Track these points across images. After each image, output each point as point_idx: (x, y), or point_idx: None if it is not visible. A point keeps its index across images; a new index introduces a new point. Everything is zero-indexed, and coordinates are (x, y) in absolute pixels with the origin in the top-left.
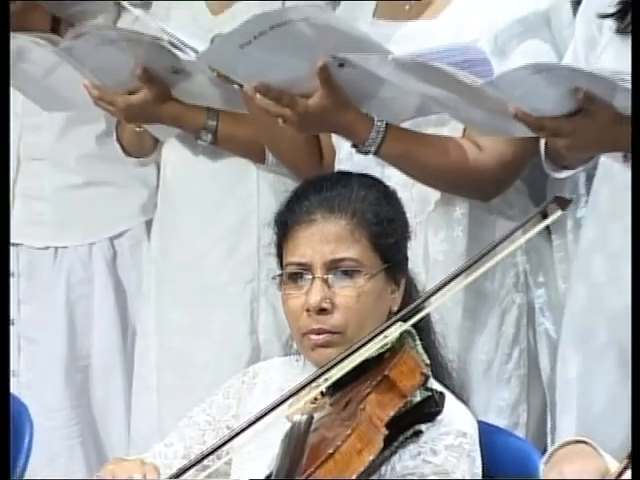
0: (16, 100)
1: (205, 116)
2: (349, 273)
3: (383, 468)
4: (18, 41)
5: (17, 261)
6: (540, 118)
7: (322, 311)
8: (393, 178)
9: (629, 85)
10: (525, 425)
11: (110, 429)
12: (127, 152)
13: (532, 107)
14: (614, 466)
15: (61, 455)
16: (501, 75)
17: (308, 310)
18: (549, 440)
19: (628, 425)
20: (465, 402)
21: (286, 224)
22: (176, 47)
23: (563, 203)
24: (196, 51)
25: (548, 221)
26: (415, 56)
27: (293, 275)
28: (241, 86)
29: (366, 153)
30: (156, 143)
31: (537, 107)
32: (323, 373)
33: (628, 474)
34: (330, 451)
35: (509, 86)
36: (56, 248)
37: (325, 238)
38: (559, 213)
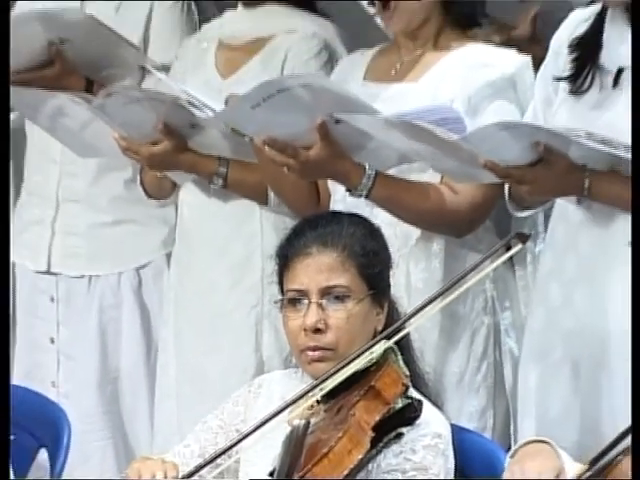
0: (55, 149)
1: (217, 164)
2: (340, 298)
3: (370, 465)
4: (58, 99)
5: (56, 288)
6: (506, 168)
7: (317, 331)
8: (380, 217)
9: (582, 140)
10: (492, 428)
11: (136, 432)
12: (149, 194)
13: (499, 158)
14: (569, 463)
15: (94, 455)
16: (473, 132)
17: (305, 330)
18: (512, 441)
19: (579, 428)
20: (440, 408)
21: (286, 256)
22: (193, 105)
23: (523, 238)
24: (212, 109)
25: (511, 253)
26: (400, 116)
27: (292, 300)
28: (251, 139)
29: (358, 197)
30: (174, 187)
31: (504, 158)
32: (318, 384)
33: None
34: (325, 451)
35: (480, 141)
36: (90, 277)
37: (319, 268)
38: (520, 246)
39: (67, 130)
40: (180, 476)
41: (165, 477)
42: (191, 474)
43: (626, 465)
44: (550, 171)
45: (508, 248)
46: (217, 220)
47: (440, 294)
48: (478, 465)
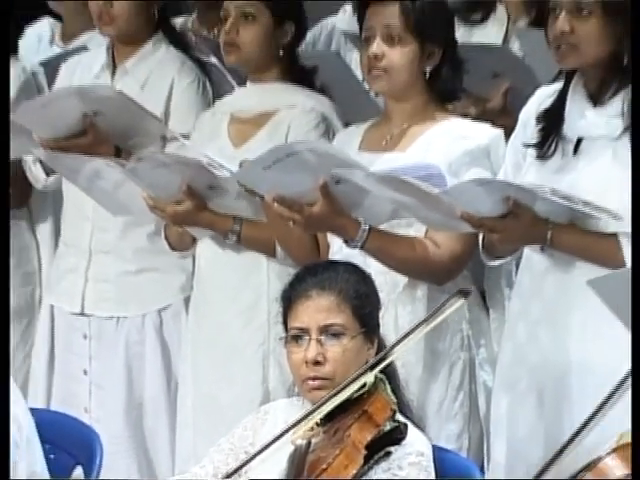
0: (88, 207)
1: (232, 222)
2: (337, 335)
3: (364, 479)
4: (95, 163)
5: (89, 327)
6: (480, 219)
7: (317, 363)
8: (372, 266)
9: (547, 196)
10: (467, 448)
11: (157, 452)
12: (172, 247)
13: (474, 210)
14: None
15: (121, 471)
16: (452, 187)
17: (306, 362)
18: (485, 459)
19: (543, 448)
20: (423, 431)
21: (289, 299)
22: (213, 167)
23: (465, 294)
24: (230, 171)
25: (453, 308)
26: (390, 171)
27: (295, 337)
28: (262, 198)
29: (354, 247)
30: (194, 240)
31: (478, 210)
32: (317, 409)
33: None
34: (324, 466)
35: (458, 195)
36: (118, 318)
37: (318, 309)
38: (461, 302)
39: (102, 191)
40: None
41: None
42: None
43: (608, 464)
44: (518, 222)
45: (466, 294)
46: (229, 270)
47: (409, 332)
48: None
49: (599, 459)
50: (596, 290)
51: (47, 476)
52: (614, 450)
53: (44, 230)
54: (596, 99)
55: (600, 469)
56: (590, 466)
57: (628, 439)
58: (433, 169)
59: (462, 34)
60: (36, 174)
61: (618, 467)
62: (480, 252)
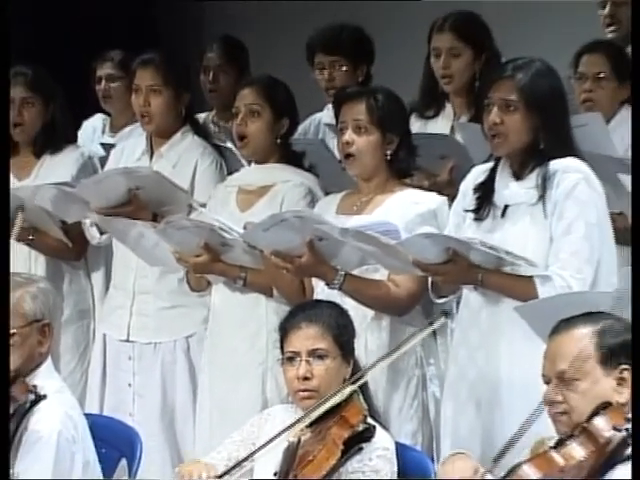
0: (132, 259)
1: (239, 270)
2: (321, 357)
3: (341, 469)
4: (138, 227)
5: (133, 351)
6: (427, 264)
7: (306, 379)
8: (347, 303)
9: (478, 246)
10: (421, 444)
11: (186, 447)
12: (192, 289)
13: (423, 258)
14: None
15: (156, 462)
16: (406, 239)
17: (298, 378)
18: (435, 452)
19: (481, 445)
20: (387, 430)
21: (285, 329)
22: (223, 230)
23: (447, 314)
24: (238, 232)
25: (435, 325)
26: (358, 227)
27: (289, 358)
28: (262, 252)
29: (333, 289)
30: (209, 284)
31: (426, 258)
32: (307, 415)
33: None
34: (310, 458)
35: (410, 245)
36: (155, 343)
37: (307, 337)
38: (443, 320)
39: (143, 247)
40: (215, 475)
41: (208, 476)
42: (224, 474)
43: (525, 470)
44: (456, 267)
45: (431, 323)
46: (237, 306)
47: (384, 357)
48: (412, 468)
49: (518, 465)
50: (521, 314)
51: (98, 466)
52: (531, 459)
53: (97, 277)
54: (518, 175)
55: (519, 474)
56: (512, 471)
57: (542, 447)
58: (391, 226)
59: (419, 126)
60: (92, 233)
61: (534, 473)
62: (429, 292)
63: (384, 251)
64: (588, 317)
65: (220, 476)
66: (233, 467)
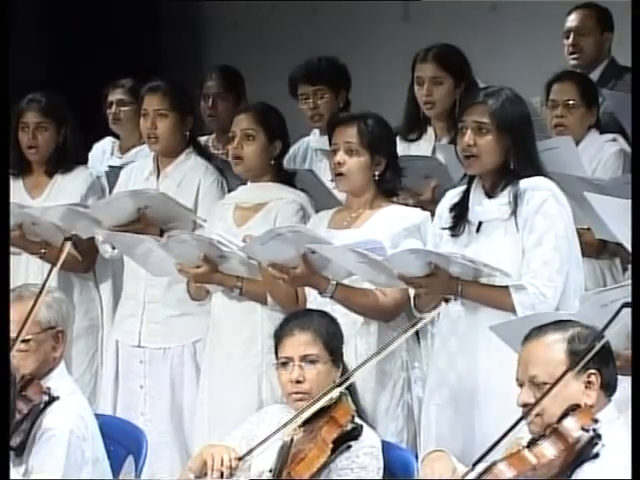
0: (142, 271)
1: (235, 280)
2: (312, 361)
3: (331, 465)
4: (143, 241)
5: (144, 355)
6: (411, 277)
7: (298, 382)
8: (338, 311)
9: (458, 260)
10: (406, 442)
11: (193, 444)
12: (192, 297)
13: (407, 271)
14: (459, 465)
15: (166, 457)
16: (391, 255)
17: (291, 381)
18: (419, 449)
19: (461, 443)
20: (374, 429)
21: (279, 336)
22: (221, 243)
23: (447, 300)
24: (237, 245)
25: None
26: (349, 245)
27: (283, 363)
28: (259, 263)
29: (326, 297)
30: (208, 293)
31: (409, 271)
32: (299, 414)
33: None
34: (302, 456)
35: (395, 261)
36: (164, 348)
37: (299, 343)
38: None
39: (150, 261)
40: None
41: (230, 458)
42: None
43: (500, 468)
44: (437, 280)
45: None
46: (234, 314)
47: (370, 358)
48: (397, 465)
49: (494, 464)
50: (495, 332)
51: (107, 462)
52: (506, 457)
53: (105, 287)
54: (490, 194)
55: (494, 472)
56: (487, 470)
57: (516, 446)
58: (377, 243)
59: (403, 148)
60: (105, 248)
61: (509, 471)
62: (412, 308)
63: (372, 266)
64: (558, 325)
65: (240, 458)
66: (252, 450)
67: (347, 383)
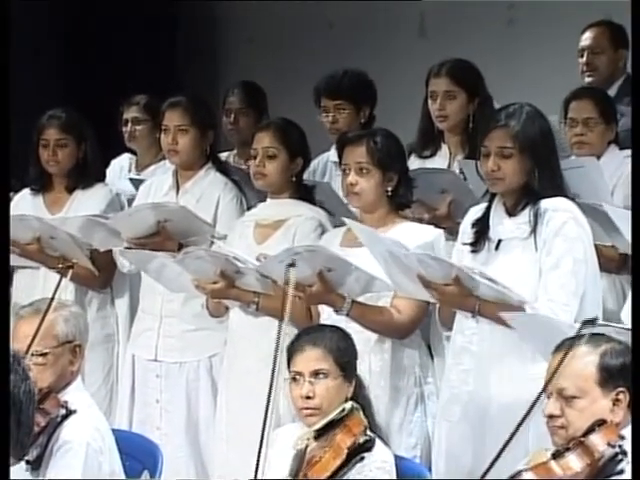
0: (159, 286)
1: (252, 296)
2: (323, 377)
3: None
4: (159, 258)
5: (160, 369)
6: (429, 280)
7: (309, 398)
8: (352, 327)
9: (476, 277)
10: (419, 456)
11: (209, 457)
12: (211, 313)
13: (427, 273)
14: None
15: (182, 472)
16: (414, 253)
17: (302, 397)
18: (433, 465)
19: (471, 459)
20: (388, 444)
21: (290, 351)
22: (238, 260)
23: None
24: (253, 263)
25: None
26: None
27: (294, 378)
28: (275, 281)
29: (342, 315)
30: (227, 308)
31: (430, 274)
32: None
33: None
34: (316, 459)
35: (418, 260)
36: (180, 363)
37: (310, 359)
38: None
39: (166, 277)
40: None
41: None
42: None
43: (526, 478)
44: (455, 291)
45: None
46: (251, 329)
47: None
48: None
49: (519, 472)
50: (514, 323)
51: (123, 475)
52: (532, 467)
53: (121, 303)
54: (510, 212)
55: None
56: (513, 478)
57: (540, 458)
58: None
59: (417, 165)
60: (122, 262)
61: None
62: (438, 325)
63: (394, 263)
64: (591, 338)
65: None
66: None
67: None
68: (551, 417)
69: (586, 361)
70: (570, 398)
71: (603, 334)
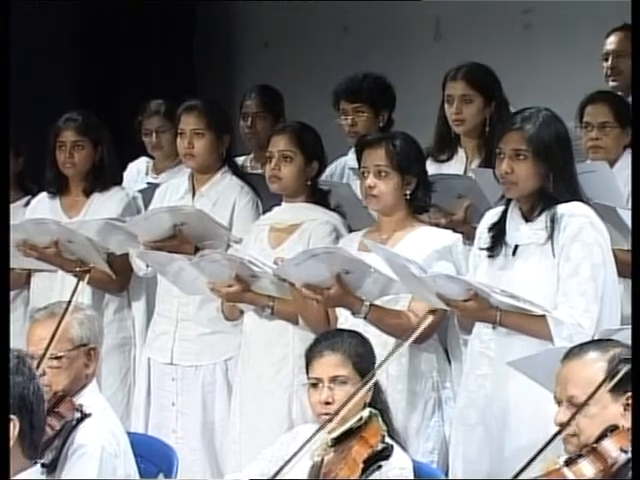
0: (175, 289)
1: (267, 299)
2: (342, 383)
3: None
4: (177, 261)
5: (176, 372)
6: (449, 299)
7: (327, 403)
8: (370, 332)
9: (497, 296)
10: (437, 462)
11: (224, 461)
12: (226, 317)
13: (446, 293)
14: None
15: (198, 474)
16: (430, 275)
17: (320, 402)
18: (449, 469)
19: (489, 464)
20: (406, 450)
21: (309, 357)
22: (253, 264)
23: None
24: (270, 267)
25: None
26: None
27: (313, 384)
28: (292, 285)
29: (359, 318)
30: (241, 312)
31: (448, 293)
32: (322, 428)
33: None
34: (333, 475)
35: (434, 281)
36: (196, 366)
37: (328, 364)
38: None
39: (184, 280)
40: None
41: None
42: None
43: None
44: (475, 306)
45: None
46: (266, 333)
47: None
48: None
49: None
50: (515, 366)
51: (138, 478)
52: (545, 474)
53: (138, 306)
54: (527, 217)
55: None
56: None
57: (553, 466)
58: (413, 262)
59: (434, 169)
60: (139, 265)
61: None
62: (457, 330)
63: (411, 280)
64: (599, 344)
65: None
66: (280, 469)
67: (371, 382)
68: (562, 425)
69: (595, 368)
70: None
71: (611, 339)
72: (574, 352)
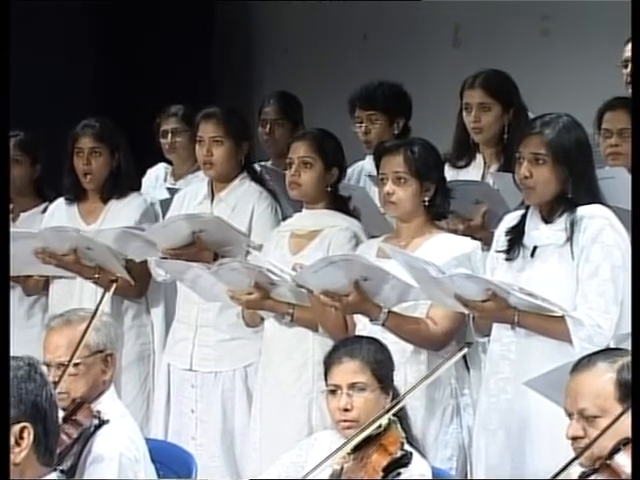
0: (195, 296)
1: (287, 307)
2: (361, 389)
3: None
4: (194, 269)
5: (195, 379)
6: (467, 299)
7: (346, 410)
8: (388, 339)
9: (516, 293)
10: (456, 468)
11: (244, 468)
12: (247, 324)
13: (464, 293)
14: None
15: None
16: (449, 275)
17: (339, 409)
18: (473, 475)
19: (510, 470)
20: (425, 456)
21: (328, 364)
22: (272, 272)
23: (469, 345)
24: (289, 274)
25: (460, 354)
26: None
27: (332, 391)
28: (311, 292)
29: (377, 325)
30: (262, 319)
31: (467, 294)
32: (348, 442)
33: None
34: None
35: (453, 282)
36: (216, 372)
37: (347, 371)
38: (466, 350)
39: (201, 287)
40: None
41: None
42: None
43: None
44: (493, 306)
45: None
46: (286, 340)
47: (417, 385)
48: None
49: None
50: (531, 386)
51: None
52: None
53: (157, 312)
54: (546, 219)
55: None
56: None
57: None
58: (433, 264)
59: (452, 175)
60: (157, 272)
61: None
62: (472, 332)
63: (430, 283)
64: (607, 354)
65: None
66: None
67: (396, 408)
68: (574, 439)
69: (604, 379)
70: (592, 418)
71: (620, 348)
72: (582, 364)
